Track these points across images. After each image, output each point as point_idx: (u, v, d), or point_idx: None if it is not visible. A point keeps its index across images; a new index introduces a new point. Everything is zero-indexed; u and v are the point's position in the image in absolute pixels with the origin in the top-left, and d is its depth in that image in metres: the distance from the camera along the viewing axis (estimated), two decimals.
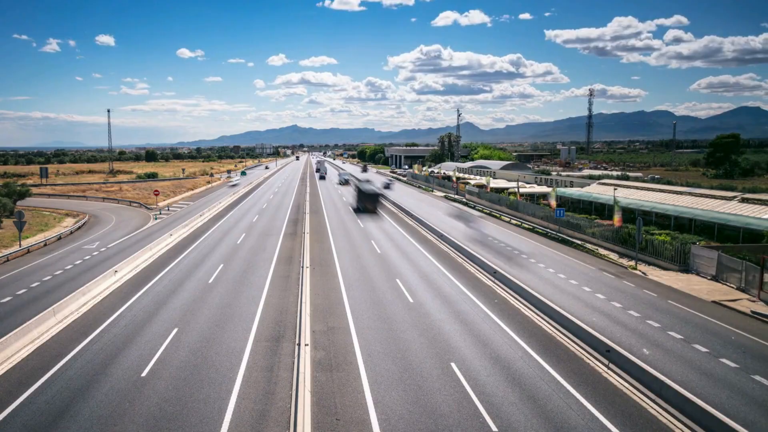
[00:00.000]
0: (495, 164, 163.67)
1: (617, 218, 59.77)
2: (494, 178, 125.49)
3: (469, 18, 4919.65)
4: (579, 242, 62.02)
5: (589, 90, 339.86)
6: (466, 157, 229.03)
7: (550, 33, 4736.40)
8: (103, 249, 58.98)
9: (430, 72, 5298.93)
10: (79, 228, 75.58)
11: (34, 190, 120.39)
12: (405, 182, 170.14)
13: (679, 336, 32.53)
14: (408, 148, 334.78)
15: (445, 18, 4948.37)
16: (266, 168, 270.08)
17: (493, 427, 21.82)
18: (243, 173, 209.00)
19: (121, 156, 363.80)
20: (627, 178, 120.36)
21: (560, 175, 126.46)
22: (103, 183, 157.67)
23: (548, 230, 69.80)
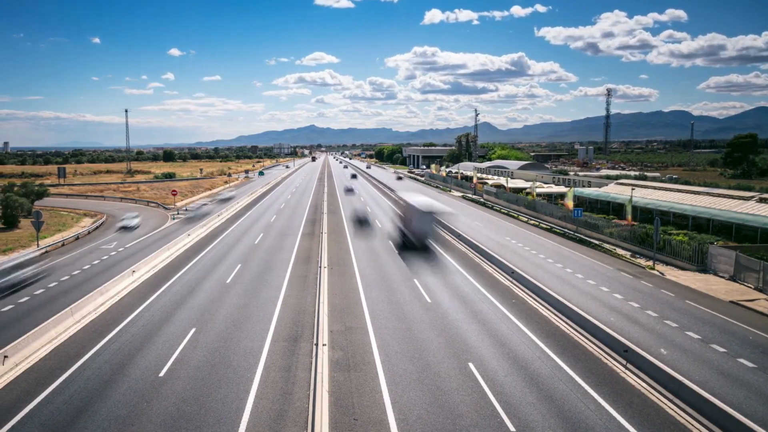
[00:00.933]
0: (513, 164, 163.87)
1: (629, 217, 60.45)
2: (512, 178, 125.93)
3: (457, 15, 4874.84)
4: (597, 242, 62.13)
5: (607, 90, 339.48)
6: (483, 157, 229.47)
7: (541, 31, 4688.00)
8: (120, 249, 59.45)
9: (430, 71, 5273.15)
10: (97, 228, 76.27)
11: (52, 190, 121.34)
12: (423, 182, 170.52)
13: (696, 336, 32.56)
14: (425, 148, 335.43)
15: (433, 16, 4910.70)
16: (286, 167, 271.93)
17: (511, 427, 21.84)
18: (261, 173, 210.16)
19: (139, 156, 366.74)
20: (645, 178, 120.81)
21: (578, 175, 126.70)
22: (121, 183, 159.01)
23: (566, 230, 69.99)
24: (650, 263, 51.67)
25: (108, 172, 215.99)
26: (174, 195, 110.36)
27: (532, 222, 80.00)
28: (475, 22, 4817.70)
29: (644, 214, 75.33)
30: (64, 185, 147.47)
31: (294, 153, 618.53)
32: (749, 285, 44.00)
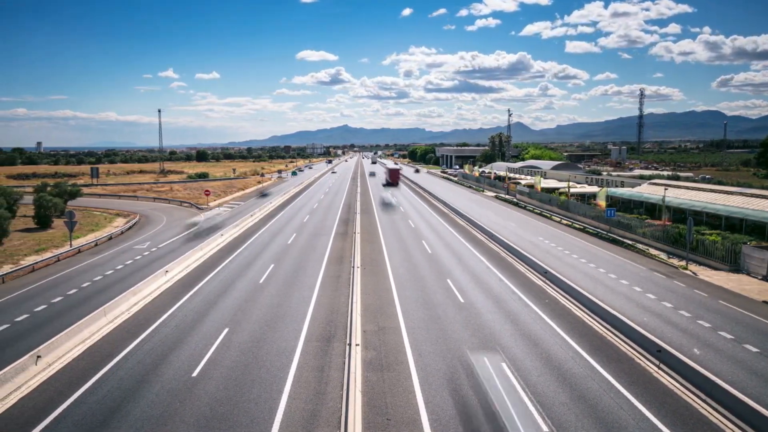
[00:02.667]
0: (546, 164, 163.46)
1: (665, 218, 60.69)
2: (545, 178, 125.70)
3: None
4: (630, 242, 62.23)
5: (640, 90, 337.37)
6: (517, 157, 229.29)
7: (530, 29, 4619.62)
8: (153, 249, 60.29)
9: (436, 71, 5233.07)
10: (130, 228, 77.32)
11: (85, 190, 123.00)
12: (456, 182, 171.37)
13: (729, 336, 32.55)
14: (458, 148, 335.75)
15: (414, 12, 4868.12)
16: (310, 168, 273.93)
17: (544, 427, 21.91)
18: (294, 173, 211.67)
19: (172, 156, 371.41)
20: (678, 178, 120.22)
21: (611, 175, 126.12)
22: (154, 183, 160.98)
23: (599, 230, 70.03)
24: (683, 263, 51.76)
25: (141, 172, 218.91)
26: (207, 195, 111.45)
27: (565, 222, 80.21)
28: (480, 22, 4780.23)
29: (677, 214, 75.36)
30: (97, 185, 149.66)
31: (327, 153, 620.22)
32: None
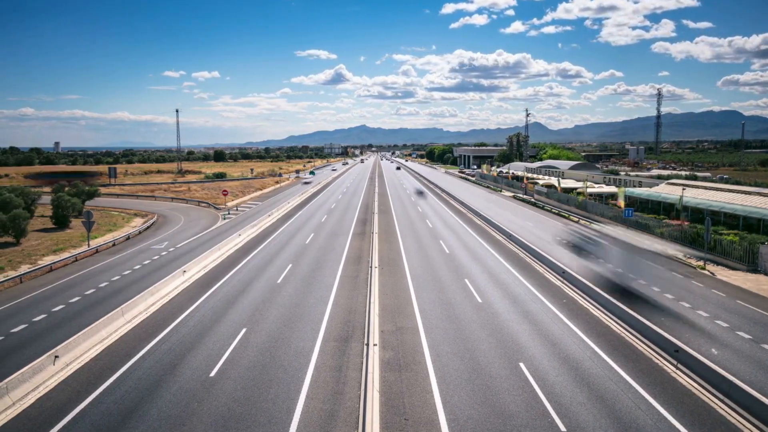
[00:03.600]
0: (563, 164, 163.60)
1: (682, 218, 61.13)
2: (563, 178, 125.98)
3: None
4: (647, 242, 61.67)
5: (658, 90, 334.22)
6: (534, 157, 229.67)
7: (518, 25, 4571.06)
8: (171, 249, 60.72)
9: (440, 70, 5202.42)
10: (148, 228, 77.97)
11: (103, 190, 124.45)
12: (473, 182, 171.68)
13: (747, 336, 32.55)
14: (476, 148, 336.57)
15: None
16: (333, 170, 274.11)
17: (562, 428, 21.95)
18: (312, 173, 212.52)
19: (190, 156, 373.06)
20: (695, 178, 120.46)
21: (629, 176, 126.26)
22: (172, 183, 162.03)
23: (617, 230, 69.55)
24: (701, 263, 51.82)
25: (159, 172, 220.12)
26: (225, 195, 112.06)
27: (583, 222, 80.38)
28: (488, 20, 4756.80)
29: (695, 214, 75.34)
30: (114, 185, 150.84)
31: (345, 153, 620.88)
32: None
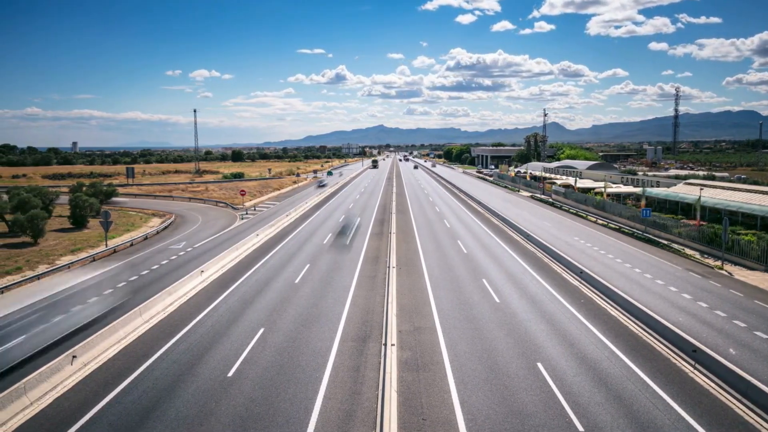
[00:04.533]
0: (581, 164, 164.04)
1: (698, 219, 61.56)
2: (580, 178, 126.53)
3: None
4: (665, 242, 62.60)
5: (675, 90, 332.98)
6: (552, 157, 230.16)
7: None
8: (189, 249, 61.04)
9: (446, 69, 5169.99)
10: (166, 228, 78.39)
11: (121, 190, 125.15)
12: (491, 182, 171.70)
13: (765, 336, 32.66)
14: (494, 148, 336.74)
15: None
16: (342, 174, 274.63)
17: (580, 427, 22.04)
18: (329, 173, 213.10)
19: (207, 156, 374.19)
20: (713, 178, 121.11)
21: (646, 176, 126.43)
22: (189, 183, 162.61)
23: (634, 230, 70.44)
24: (719, 263, 51.92)
25: (176, 172, 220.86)
26: (243, 195, 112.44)
27: (601, 222, 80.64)
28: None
29: (713, 214, 75.77)
30: (132, 185, 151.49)
31: (363, 153, 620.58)
32: None
